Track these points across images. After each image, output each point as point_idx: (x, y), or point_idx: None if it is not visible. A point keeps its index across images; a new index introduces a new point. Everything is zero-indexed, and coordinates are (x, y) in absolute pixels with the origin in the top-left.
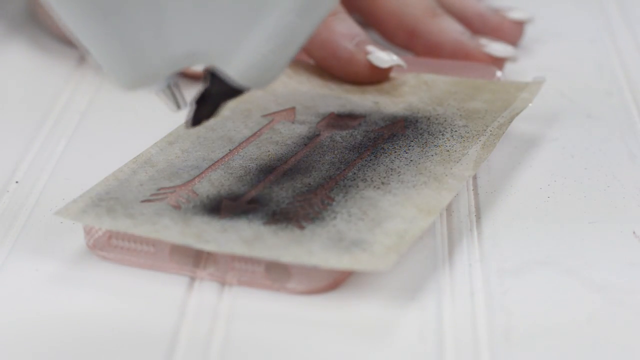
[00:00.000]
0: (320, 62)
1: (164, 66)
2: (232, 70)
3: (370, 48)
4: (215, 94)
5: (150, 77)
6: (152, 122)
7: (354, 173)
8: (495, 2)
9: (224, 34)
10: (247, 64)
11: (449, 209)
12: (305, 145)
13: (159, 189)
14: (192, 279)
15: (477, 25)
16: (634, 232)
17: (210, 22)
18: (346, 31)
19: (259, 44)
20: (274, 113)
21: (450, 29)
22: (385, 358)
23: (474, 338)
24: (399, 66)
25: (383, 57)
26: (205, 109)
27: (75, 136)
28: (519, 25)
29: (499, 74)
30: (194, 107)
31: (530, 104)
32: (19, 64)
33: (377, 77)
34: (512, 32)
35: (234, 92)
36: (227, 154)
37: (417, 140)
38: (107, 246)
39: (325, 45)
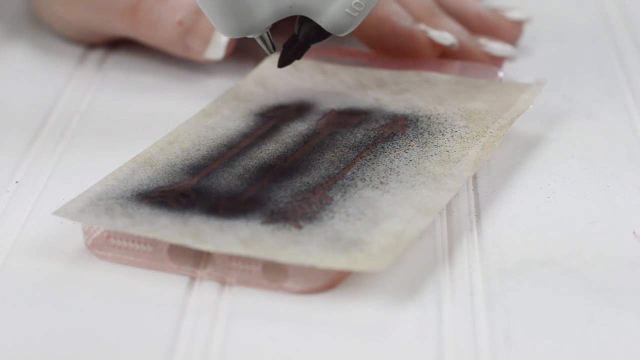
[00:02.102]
0: (377, 40)
1: (269, 17)
2: (322, 20)
3: (424, 26)
4: (303, 38)
5: (255, 27)
6: (152, 122)
7: (353, 172)
8: (494, 2)
9: None
10: (336, 15)
11: (448, 209)
12: (305, 143)
13: (158, 189)
14: (192, 278)
15: (476, 25)
16: (634, 232)
17: None
18: (399, 10)
19: None
20: (274, 110)
21: (449, 29)
22: (385, 358)
23: (473, 338)
24: (453, 45)
25: (443, 34)
26: (293, 50)
27: (75, 136)
28: (518, 24)
29: (500, 74)
30: (282, 49)
31: (531, 106)
32: (19, 64)
33: (437, 52)
34: (510, 32)
35: (319, 36)
36: (226, 153)
37: (417, 139)
38: (105, 246)
39: (383, 23)
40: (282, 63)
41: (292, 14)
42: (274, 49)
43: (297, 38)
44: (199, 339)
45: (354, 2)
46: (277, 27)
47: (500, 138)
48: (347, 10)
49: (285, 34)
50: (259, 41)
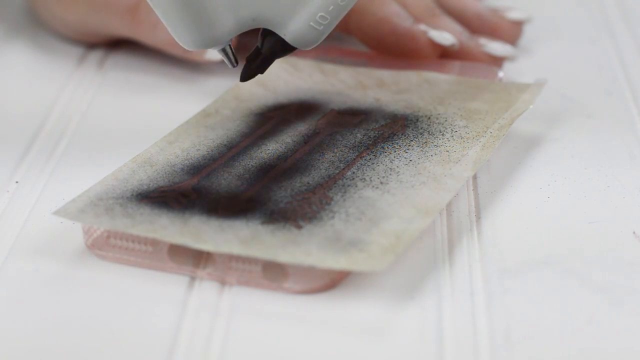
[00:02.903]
0: (377, 40)
1: (231, 30)
2: (287, 34)
3: (424, 27)
4: (266, 52)
5: (217, 39)
6: (152, 122)
7: (353, 172)
8: (494, 2)
9: (285, 2)
10: (301, 29)
11: (448, 209)
12: (305, 143)
13: (158, 189)
14: (192, 278)
15: (476, 25)
16: (634, 232)
17: None
18: (400, 11)
19: (314, 10)
20: (274, 110)
21: (450, 29)
22: (385, 358)
23: (474, 338)
24: (453, 45)
25: (443, 34)
26: (256, 65)
27: (75, 136)
28: (518, 25)
29: (500, 74)
30: (245, 63)
31: (531, 106)
32: (19, 64)
33: (437, 53)
34: (510, 32)
35: (283, 50)
36: (226, 153)
37: (417, 139)
38: (105, 246)
39: (383, 23)
40: (244, 77)
41: (256, 27)
42: (237, 62)
43: (260, 51)
44: (199, 339)
45: (319, 15)
46: None
47: (500, 138)
48: (311, 23)
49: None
50: (221, 54)
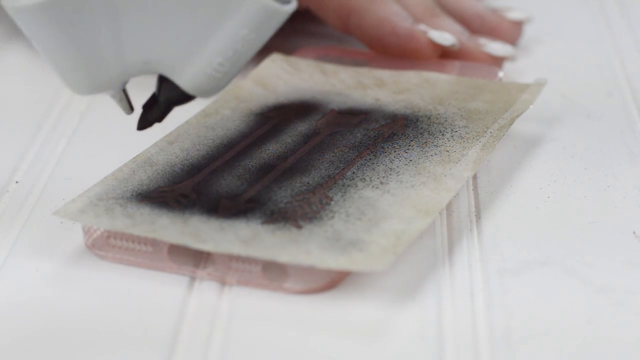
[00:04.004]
0: (377, 40)
1: (120, 74)
2: (182, 80)
3: (424, 27)
4: (164, 100)
5: (106, 84)
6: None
7: (353, 172)
8: (494, 2)
9: (178, 45)
10: (197, 75)
11: (449, 209)
12: (305, 143)
13: (158, 189)
14: (192, 278)
15: (476, 26)
16: (634, 232)
17: (166, 33)
18: (400, 11)
19: (210, 56)
20: (274, 110)
21: (450, 29)
22: (385, 358)
23: (474, 338)
24: (453, 45)
25: (443, 35)
26: (153, 113)
27: (75, 136)
28: (518, 25)
29: (500, 74)
30: (142, 111)
31: (531, 106)
32: (19, 64)
33: (437, 53)
34: (510, 32)
35: (182, 99)
36: (226, 153)
37: (417, 139)
38: (105, 246)
39: (383, 23)
40: (141, 126)
41: (148, 72)
42: (132, 109)
43: (157, 99)
44: (199, 339)
45: (217, 61)
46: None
47: (500, 138)
48: (208, 70)
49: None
50: (115, 100)
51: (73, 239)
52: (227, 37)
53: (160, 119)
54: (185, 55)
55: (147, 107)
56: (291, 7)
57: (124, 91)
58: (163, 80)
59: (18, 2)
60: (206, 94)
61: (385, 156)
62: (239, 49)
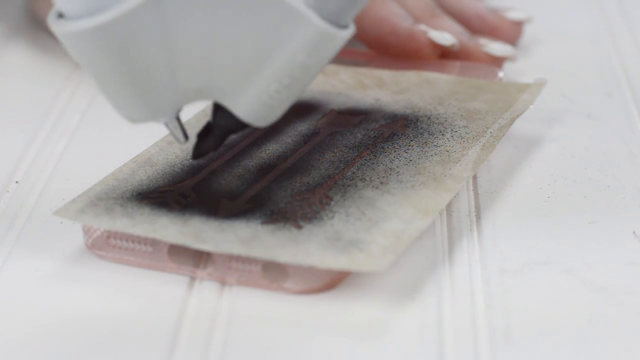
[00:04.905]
0: (377, 40)
1: (173, 102)
2: (237, 108)
3: (424, 27)
4: (219, 128)
5: (160, 111)
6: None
7: (353, 172)
8: (494, 2)
9: (233, 72)
10: (253, 103)
11: (449, 209)
12: (305, 143)
13: (158, 189)
14: (192, 278)
15: (476, 26)
16: (634, 232)
17: (221, 59)
18: (400, 11)
19: (266, 83)
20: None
21: (450, 29)
22: (385, 358)
23: (474, 338)
24: (453, 45)
25: (443, 35)
26: (208, 142)
27: (75, 136)
28: (518, 25)
29: (500, 74)
30: (197, 139)
31: (531, 106)
32: (19, 64)
33: (437, 53)
34: (510, 32)
35: (237, 127)
36: (226, 153)
37: (417, 139)
38: (105, 246)
39: (383, 23)
40: (196, 155)
41: (203, 99)
42: (187, 137)
43: (212, 127)
44: (199, 339)
45: (273, 88)
46: None
47: (500, 138)
48: (264, 97)
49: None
50: (168, 129)
51: (73, 239)
52: (283, 64)
53: (215, 147)
54: (240, 82)
55: (202, 135)
56: (349, 32)
57: (178, 119)
58: (218, 109)
59: (69, 27)
60: (262, 121)
61: (385, 156)
62: (296, 76)
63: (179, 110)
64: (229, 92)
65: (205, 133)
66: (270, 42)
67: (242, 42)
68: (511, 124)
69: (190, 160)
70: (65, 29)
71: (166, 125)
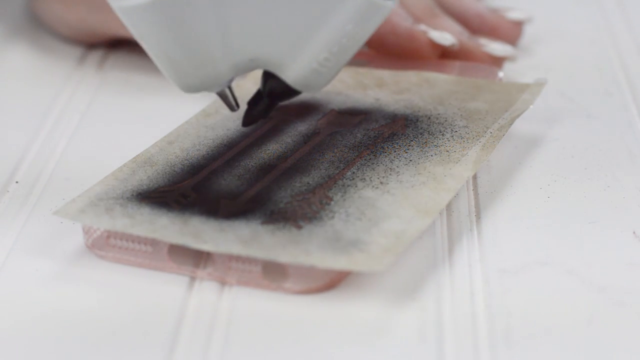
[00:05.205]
0: (377, 40)
1: (227, 72)
2: (288, 76)
3: (424, 27)
4: (268, 95)
5: (214, 82)
6: (152, 122)
7: (353, 172)
8: (494, 2)
9: (284, 42)
10: (303, 70)
11: (449, 209)
12: (305, 143)
13: (158, 189)
14: (192, 278)
15: (476, 26)
16: (634, 232)
17: (273, 29)
18: (399, 11)
19: (316, 51)
20: (274, 111)
21: (450, 29)
22: (385, 358)
23: (474, 338)
24: (453, 45)
25: (443, 35)
26: (258, 108)
27: (75, 136)
28: (518, 25)
29: (500, 74)
30: (247, 107)
31: (531, 106)
32: (19, 64)
33: (437, 53)
34: (510, 32)
35: (287, 94)
36: (226, 153)
37: (417, 139)
38: (105, 246)
39: (383, 23)
40: (246, 122)
41: (255, 68)
42: (238, 106)
43: (262, 95)
44: (199, 339)
45: (322, 56)
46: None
47: (500, 138)
48: (314, 65)
49: None
50: (220, 97)
51: (73, 239)
52: (333, 33)
53: (265, 114)
54: (292, 51)
55: (252, 103)
56: (393, 2)
57: (230, 88)
58: (268, 76)
59: (126, 1)
60: (311, 89)
61: (385, 156)
62: (344, 44)
63: (231, 80)
64: (280, 61)
65: (255, 100)
66: (322, 12)
67: (295, 12)
68: (511, 124)
69: (191, 160)
70: (123, 4)
71: (218, 94)
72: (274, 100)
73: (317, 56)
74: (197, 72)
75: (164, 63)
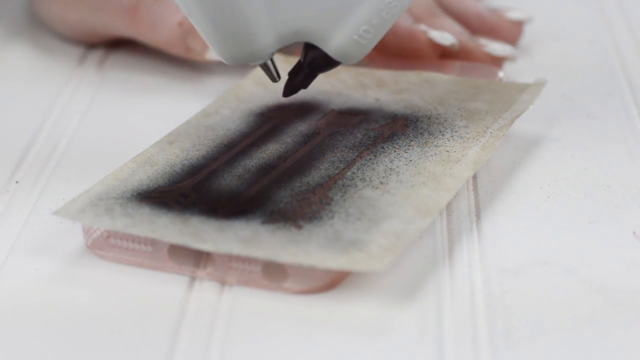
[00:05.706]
0: None
1: (272, 44)
2: (329, 47)
3: (424, 27)
4: (309, 66)
5: (258, 54)
6: (152, 122)
7: (353, 172)
8: (494, 2)
9: (327, 14)
10: (344, 42)
11: (449, 209)
12: (305, 143)
13: (158, 189)
14: (192, 278)
15: (476, 26)
16: (634, 232)
17: (318, 2)
18: None
19: (358, 23)
20: (274, 110)
21: (450, 29)
22: (385, 358)
23: (474, 338)
24: (453, 45)
25: (443, 35)
26: (299, 79)
27: (75, 136)
28: (518, 25)
29: (500, 74)
30: (288, 78)
31: (531, 106)
32: (19, 64)
33: (437, 53)
34: (510, 32)
35: (327, 65)
36: (226, 153)
37: (417, 140)
38: (105, 246)
39: None
40: (287, 92)
41: (297, 40)
42: (279, 77)
43: (303, 66)
44: (199, 339)
45: (363, 28)
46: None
47: (500, 138)
48: (355, 37)
49: None
50: (263, 69)
51: (73, 239)
52: (373, 5)
53: (305, 85)
54: (335, 22)
55: (292, 74)
56: None
57: (272, 60)
58: (310, 48)
59: None
60: (351, 59)
61: (385, 156)
62: (383, 16)
63: (274, 53)
64: (323, 33)
65: (295, 72)
66: None
67: None
68: (511, 124)
69: (190, 160)
70: None
71: (261, 66)
72: (314, 70)
73: (358, 28)
74: (243, 45)
75: (210, 36)
